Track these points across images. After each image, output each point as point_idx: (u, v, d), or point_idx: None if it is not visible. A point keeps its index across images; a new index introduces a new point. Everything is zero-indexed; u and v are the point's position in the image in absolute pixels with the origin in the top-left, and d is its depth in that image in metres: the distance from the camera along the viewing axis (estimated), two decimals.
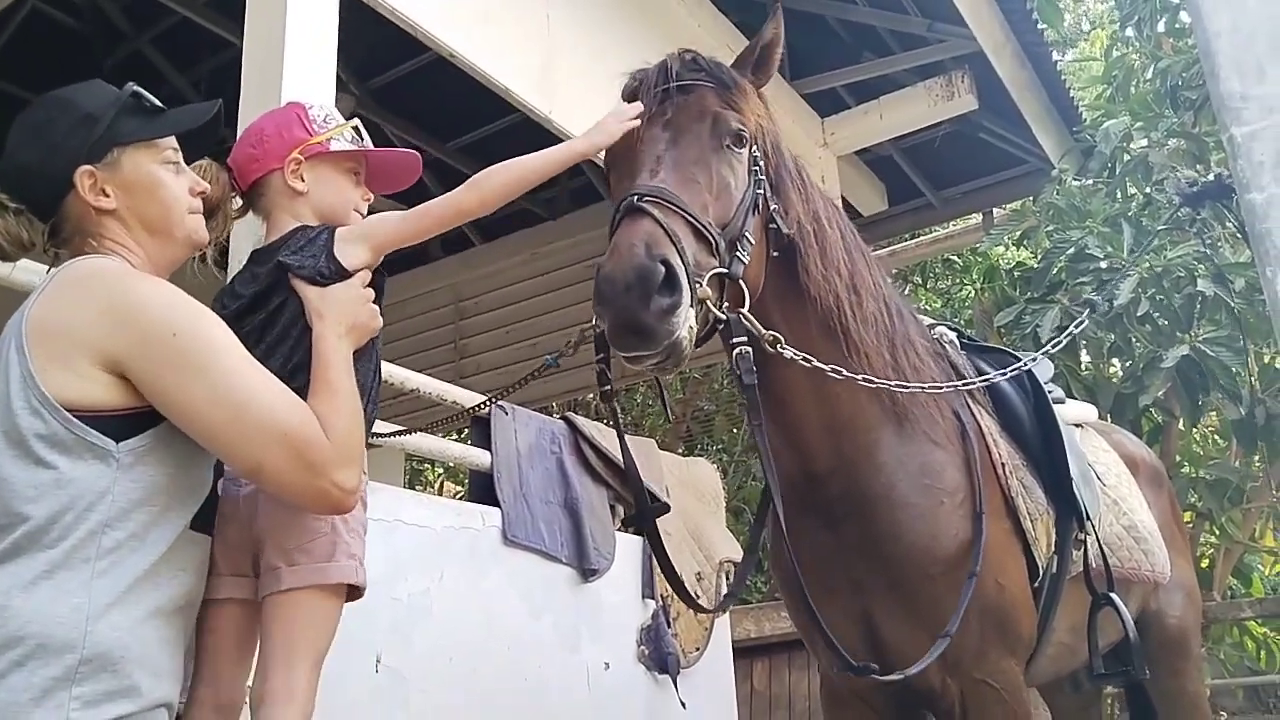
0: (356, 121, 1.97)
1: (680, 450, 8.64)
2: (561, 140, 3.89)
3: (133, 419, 1.46)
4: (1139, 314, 5.04)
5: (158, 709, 1.44)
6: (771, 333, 1.92)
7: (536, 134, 3.94)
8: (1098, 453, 2.98)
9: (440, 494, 10.25)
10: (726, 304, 1.85)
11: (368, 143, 1.97)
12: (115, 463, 1.43)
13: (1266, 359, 5.88)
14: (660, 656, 3.65)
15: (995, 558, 2.21)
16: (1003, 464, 2.36)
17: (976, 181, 6.86)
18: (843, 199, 5.69)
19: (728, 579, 4.02)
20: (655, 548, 2.23)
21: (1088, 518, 2.51)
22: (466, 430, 4.39)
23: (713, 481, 4.38)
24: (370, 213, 1.95)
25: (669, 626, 3.72)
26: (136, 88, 1.63)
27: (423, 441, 2.99)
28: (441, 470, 11.84)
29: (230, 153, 1.92)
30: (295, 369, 1.67)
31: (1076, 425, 2.95)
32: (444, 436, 3.36)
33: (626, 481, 3.25)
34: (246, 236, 2.07)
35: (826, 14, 5.49)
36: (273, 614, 1.67)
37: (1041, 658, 2.49)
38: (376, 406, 1.88)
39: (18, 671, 1.32)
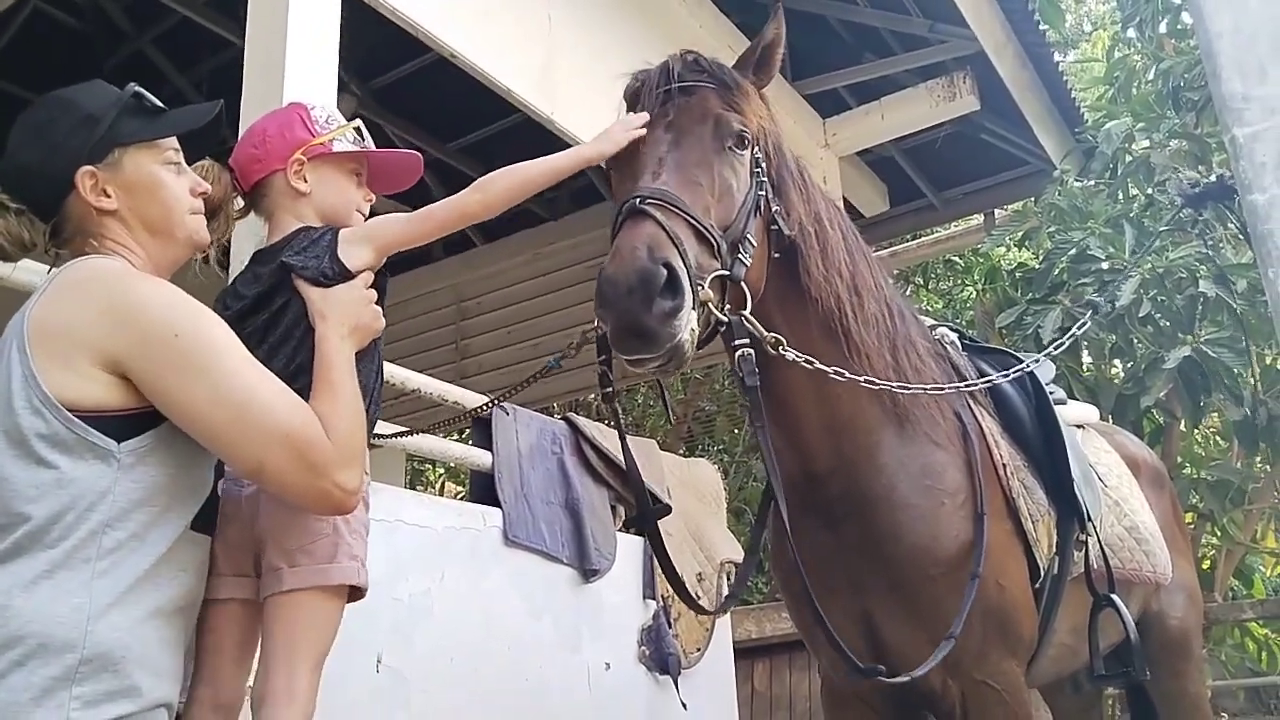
0: (359, 123, 1.97)
1: (681, 451, 8.64)
2: (562, 140, 3.93)
3: (134, 419, 1.46)
4: (1141, 315, 5.03)
5: (157, 709, 1.44)
6: (773, 335, 1.92)
7: (537, 134, 3.95)
8: (1099, 454, 2.98)
9: (441, 494, 10.26)
10: (728, 306, 1.85)
11: (370, 144, 1.97)
12: (116, 463, 1.43)
13: (1268, 360, 5.88)
14: (661, 657, 3.65)
15: (996, 559, 2.21)
16: (1004, 465, 2.35)
17: (978, 182, 6.86)
18: (844, 200, 5.69)
19: (729, 580, 4.02)
20: (656, 548, 2.23)
21: (1089, 519, 2.51)
22: (468, 430, 4.38)
23: (714, 482, 4.39)
24: (371, 213, 1.95)
25: (670, 627, 3.72)
26: (138, 88, 1.63)
27: (424, 442, 2.99)
28: (442, 470, 11.85)
29: (231, 153, 1.92)
30: (298, 370, 1.67)
31: (1078, 426, 2.95)
32: (445, 437, 3.35)
33: (628, 482, 3.25)
34: (248, 237, 2.07)
35: (828, 14, 5.49)
36: (274, 615, 1.67)
37: (1042, 659, 2.48)
38: (379, 407, 1.89)
39: (18, 671, 1.32)
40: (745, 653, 4.91)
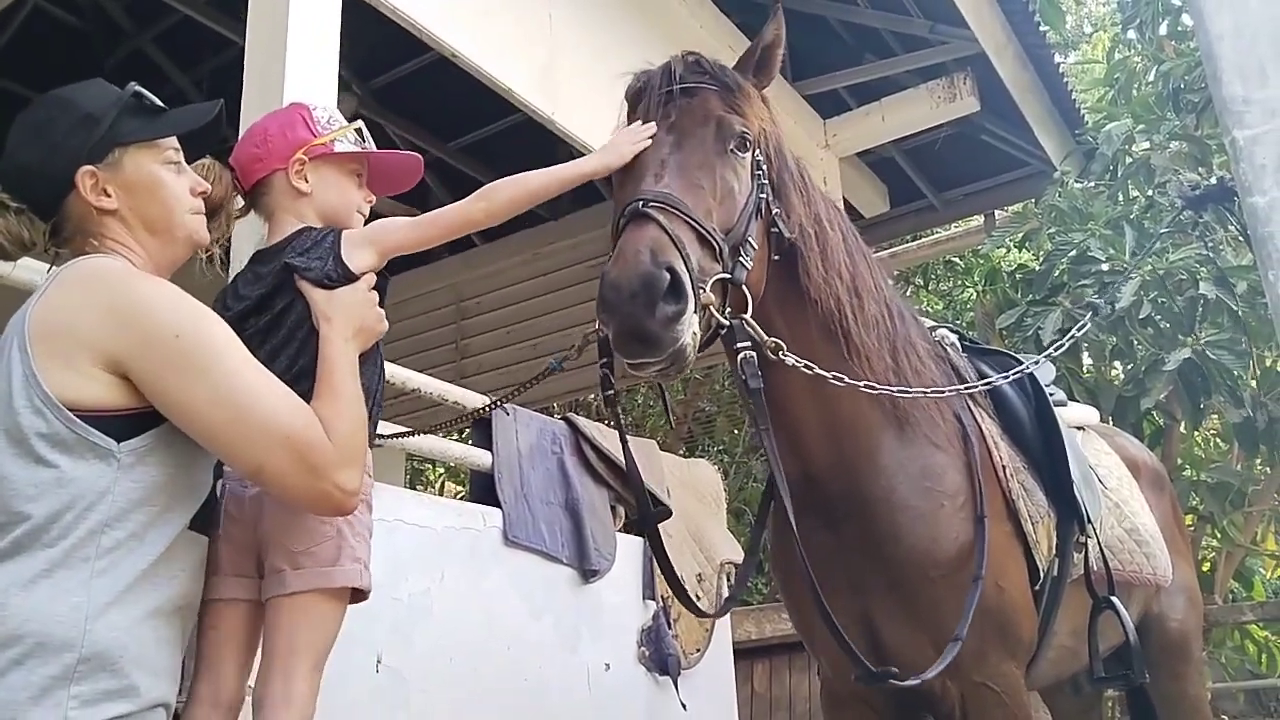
0: (360, 123, 1.98)
1: (681, 451, 8.64)
2: (563, 139, 3.93)
3: (134, 419, 1.46)
4: (1141, 317, 5.04)
5: (155, 709, 1.44)
6: (774, 340, 1.92)
7: (538, 134, 3.95)
8: (1099, 455, 2.98)
9: (441, 494, 10.25)
10: (729, 309, 1.84)
11: (371, 144, 1.97)
12: (116, 462, 1.43)
13: (1268, 362, 5.89)
14: (661, 658, 3.65)
15: (996, 560, 2.20)
16: (1004, 467, 2.35)
17: (978, 183, 6.85)
18: (844, 200, 5.68)
19: (728, 581, 4.02)
20: (656, 549, 2.23)
21: (1089, 521, 2.51)
22: (467, 430, 4.38)
23: (714, 483, 4.38)
24: (371, 213, 1.95)
25: (670, 627, 3.72)
26: (138, 87, 1.63)
27: (424, 442, 2.99)
28: (442, 470, 11.84)
29: (232, 152, 1.92)
30: (299, 374, 1.67)
31: (1078, 428, 2.95)
32: (445, 436, 3.35)
33: (628, 483, 3.25)
34: (248, 237, 2.07)
35: (828, 15, 5.49)
36: (276, 617, 1.67)
37: (1042, 661, 2.48)
38: (380, 408, 1.88)
39: (16, 670, 1.32)
40: (745, 654, 4.90)
